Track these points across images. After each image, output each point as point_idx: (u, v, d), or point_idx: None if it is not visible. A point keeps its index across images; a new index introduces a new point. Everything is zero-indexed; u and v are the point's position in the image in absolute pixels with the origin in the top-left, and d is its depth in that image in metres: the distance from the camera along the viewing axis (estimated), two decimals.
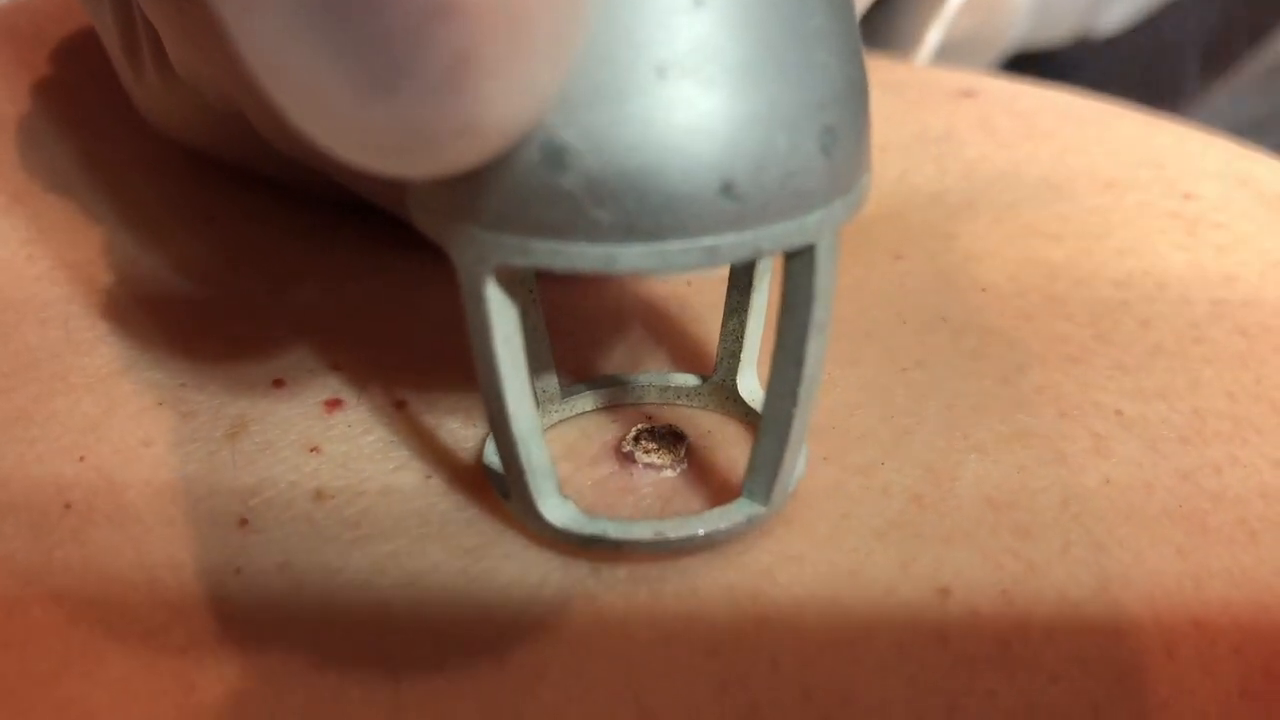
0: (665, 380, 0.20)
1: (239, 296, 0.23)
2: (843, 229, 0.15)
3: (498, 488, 0.18)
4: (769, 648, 0.16)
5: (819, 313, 0.15)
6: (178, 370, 0.20)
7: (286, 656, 0.16)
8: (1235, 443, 0.19)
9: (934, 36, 0.41)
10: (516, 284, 0.15)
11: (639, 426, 0.19)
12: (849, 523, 0.18)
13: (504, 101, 0.12)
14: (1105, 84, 0.33)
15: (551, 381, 0.20)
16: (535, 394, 0.19)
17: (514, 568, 0.17)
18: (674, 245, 0.13)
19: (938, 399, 0.20)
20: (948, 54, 0.43)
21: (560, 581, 0.17)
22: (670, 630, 0.16)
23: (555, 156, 0.13)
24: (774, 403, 0.16)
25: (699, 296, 0.23)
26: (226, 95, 0.20)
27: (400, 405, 0.20)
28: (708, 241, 0.13)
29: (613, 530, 0.17)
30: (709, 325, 0.22)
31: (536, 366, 0.19)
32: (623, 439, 0.19)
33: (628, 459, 0.19)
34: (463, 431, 0.19)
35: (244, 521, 0.18)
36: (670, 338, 0.22)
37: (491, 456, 0.18)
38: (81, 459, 0.19)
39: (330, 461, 0.19)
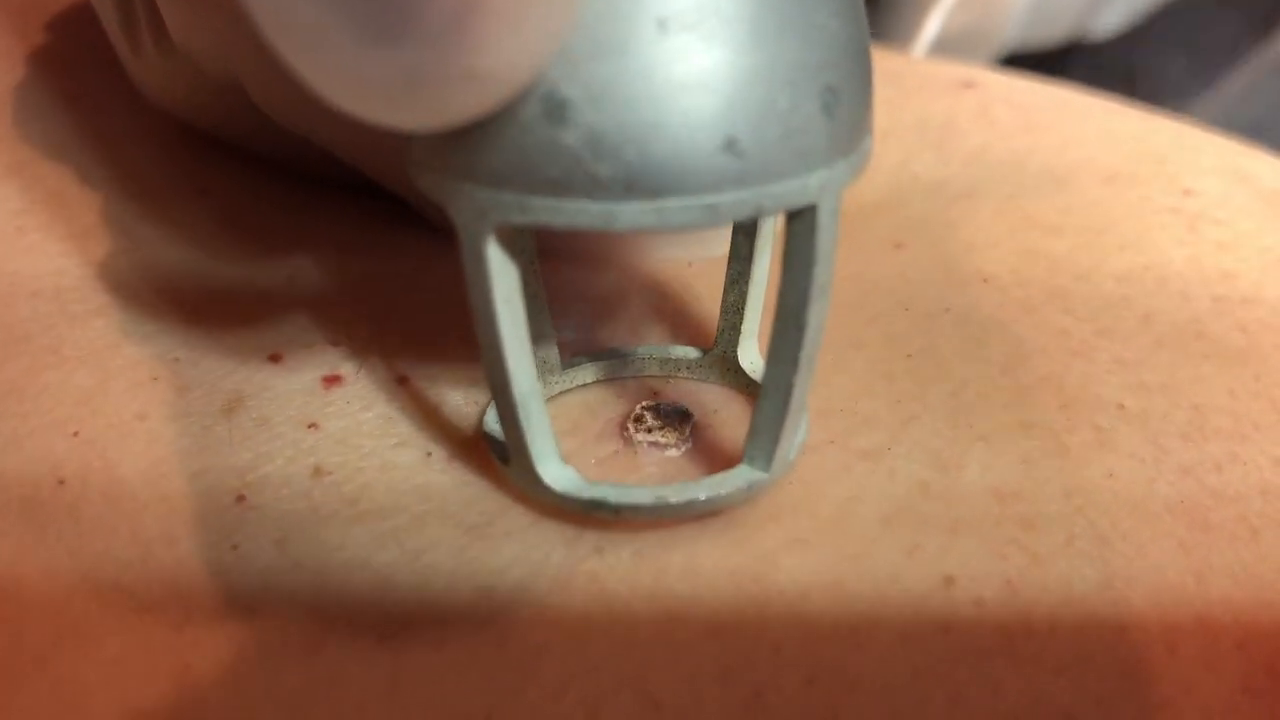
0: (666, 353, 0.20)
1: (235, 271, 0.23)
2: (843, 199, 0.15)
3: (497, 455, 0.18)
4: (772, 632, 0.16)
5: (820, 275, 0.15)
6: (173, 344, 0.20)
7: (284, 633, 0.16)
8: (1236, 440, 0.19)
9: (932, 26, 0.41)
10: (516, 251, 0.15)
11: (643, 404, 0.19)
12: (855, 507, 0.17)
13: (507, 49, 0.12)
14: (1099, 86, 0.33)
15: (552, 352, 0.20)
16: (535, 364, 0.19)
17: (515, 545, 0.17)
18: (674, 203, 0.13)
19: (942, 386, 0.20)
20: (943, 50, 0.43)
21: (562, 560, 0.17)
22: (673, 612, 0.16)
23: (556, 111, 0.13)
24: (775, 368, 0.16)
25: (699, 280, 0.23)
26: (224, 66, 0.20)
27: (401, 381, 0.20)
28: (708, 199, 0.13)
29: (613, 495, 0.16)
30: (709, 306, 0.22)
31: (536, 337, 0.19)
32: (627, 417, 0.19)
33: (632, 437, 0.19)
34: (464, 408, 0.19)
35: (241, 498, 0.17)
36: (671, 316, 0.22)
37: (492, 424, 0.18)
38: (75, 434, 0.18)
39: (328, 438, 0.18)
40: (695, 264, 0.24)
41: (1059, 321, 0.22)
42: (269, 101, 0.21)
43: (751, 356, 0.20)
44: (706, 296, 0.23)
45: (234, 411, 0.19)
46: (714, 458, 0.18)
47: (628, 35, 0.13)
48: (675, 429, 0.19)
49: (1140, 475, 0.18)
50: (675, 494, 0.17)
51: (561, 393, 0.20)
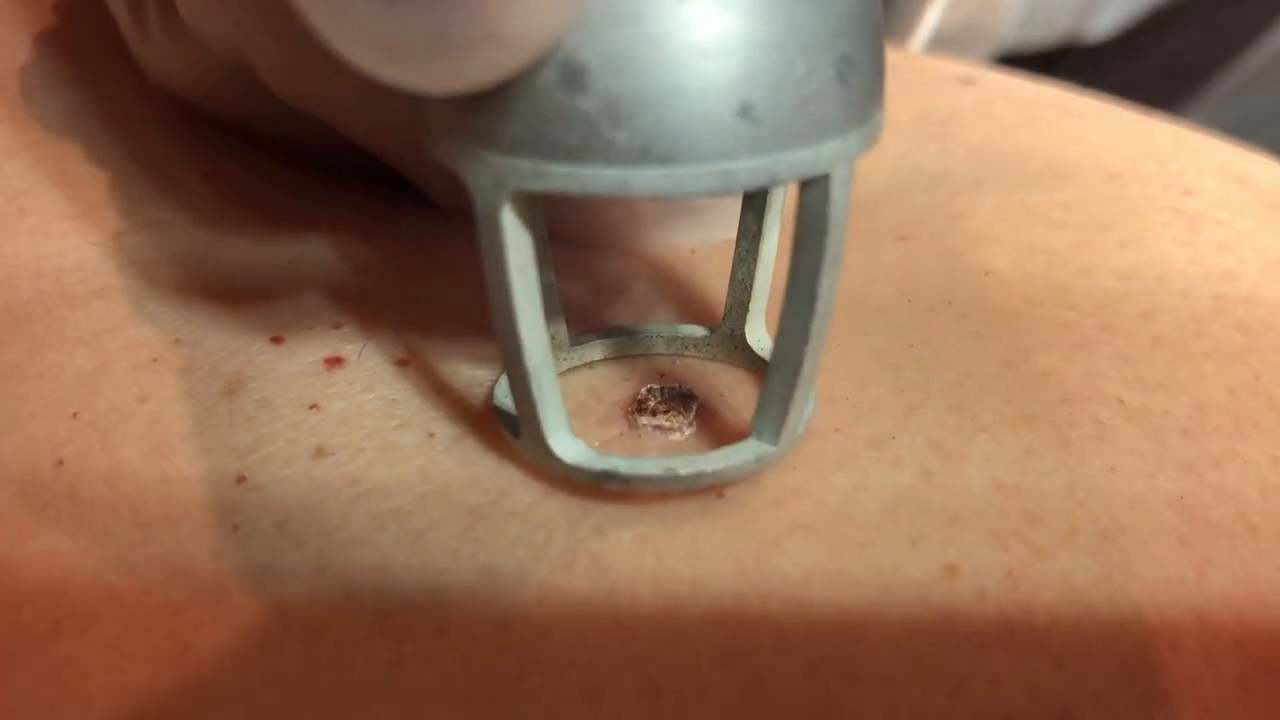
0: (674, 331, 0.20)
1: (237, 253, 0.23)
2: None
3: (507, 428, 0.18)
4: (774, 619, 0.16)
5: (832, 246, 0.15)
6: (174, 326, 0.20)
7: (284, 615, 0.16)
8: (1235, 438, 0.19)
9: (930, 20, 0.41)
10: (529, 224, 0.15)
11: (648, 386, 0.19)
12: (859, 495, 0.17)
13: (529, 10, 0.12)
14: (1093, 88, 0.33)
15: (561, 329, 0.20)
16: None
17: (517, 526, 0.17)
18: (689, 169, 0.13)
19: (945, 377, 0.20)
20: (940, 47, 0.43)
21: (564, 542, 0.17)
22: (675, 595, 0.16)
23: (573, 76, 0.13)
24: (785, 340, 0.16)
25: (706, 262, 0.23)
26: (233, 45, 0.20)
27: (403, 363, 0.20)
28: (723, 165, 0.13)
29: (623, 467, 0.16)
30: (716, 287, 0.23)
31: (546, 313, 0.19)
32: (632, 400, 0.19)
33: (637, 421, 0.19)
34: (466, 390, 0.19)
35: (242, 479, 0.17)
36: (678, 298, 0.22)
37: (503, 399, 0.18)
38: (75, 415, 0.18)
39: (330, 419, 0.18)
40: (699, 250, 0.24)
41: (1061, 316, 0.22)
42: (277, 80, 0.21)
43: (759, 334, 0.20)
44: (714, 277, 0.23)
45: (235, 393, 0.19)
46: (719, 441, 0.18)
47: (645, 1, 0.13)
48: (680, 413, 0.19)
49: (1141, 470, 0.18)
50: (684, 466, 0.17)
51: (569, 369, 0.20)
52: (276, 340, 0.20)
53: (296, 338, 0.20)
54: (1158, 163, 0.27)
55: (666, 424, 0.18)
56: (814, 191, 0.15)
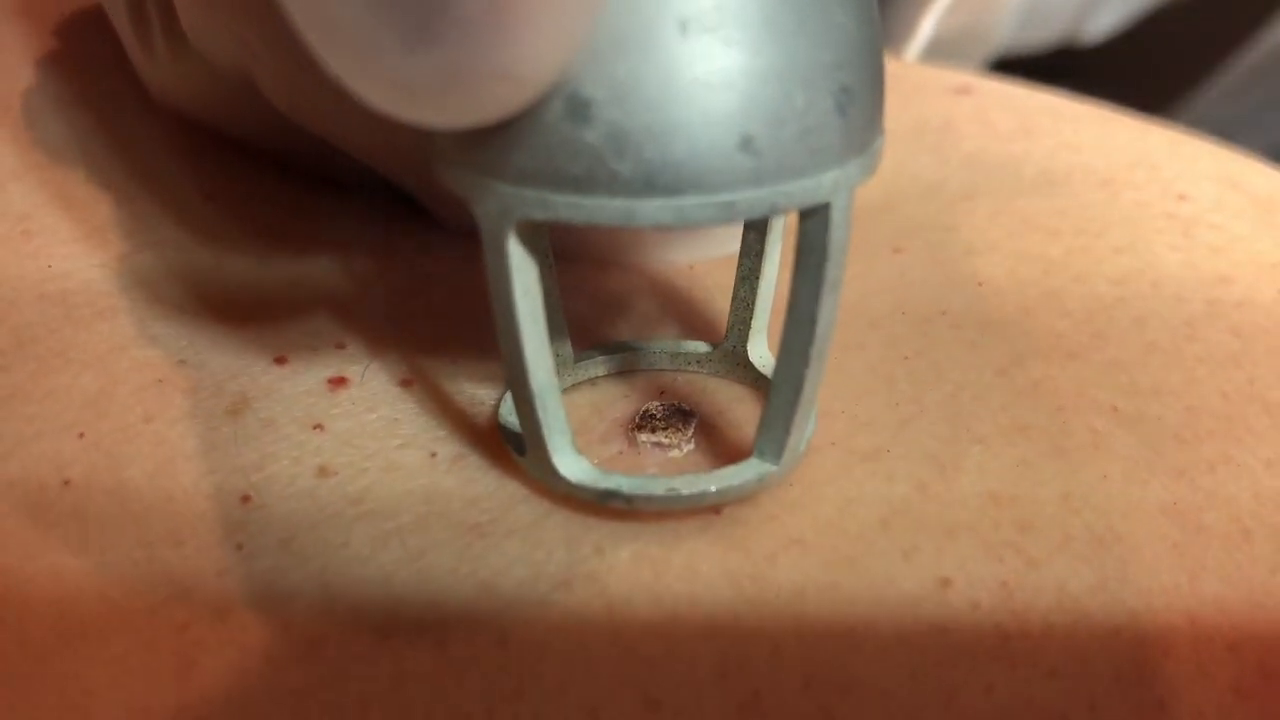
0: (676, 347, 0.21)
1: (242, 273, 0.23)
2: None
3: (512, 446, 0.18)
4: (770, 633, 0.16)
5: (832, 271, 0.15)
6: (179, 347, 0.20)
7: (287, 633, 0.16)
8: (1229, 442, 0.19)
9: (927, 28, 0.41)
10: (535, 247, 0.15)
11: (647, 405, 0.19)
12: (854, 509, 0.18)
13: (540, 48, 0.12)
14: (1091, 89, 0.33)
15: (565, 347, 0.20)
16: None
17: (517, 545, 0.17)
18: (692, 200, 0.14)
19: (939, 389, 0.20)
20: (937, 53, 0.43)
21: (563, 560, 0.17)
22: (672, 612, 0.16)
23: (579, 109, 0.13)
24: (786, 362, 0.16)
25: (707, 278, 0.24)
26: (238, 62, 0.20)
27: (406, 383, 0.20)
28: (725, 197, 0.14)
29: (626, 486, 0.17)
30: (717, 305, 0.23)
31: (551, 331, 0.19)
32: (632, 418, 0.19)
33: (636, 438, 0.19)
34: (468, 409, 0.19)
35: (246, 498, 0.17)
36: (680, 314, 0.22)
37: (507, 416, 0.18)
38: (81, 435, 0.19)
39: (334, 438, 0.19)
40: (696, 265, 0.24)
41: (1054, 324, 0.22)
42: (280, 95, 0.21)
43: (761, 351, 0.20)
44: (715, 291, 0.23)
45: (240, 413, 0.19)
46: (719, 458, 0.19)
47: (650, 36, 0.13)
48: (678, 430, 0.19)
49: (1134, 477, 0.19)
50: (687, 485, 0.17)
51: (572, 385, 0.20)
52: (280, 361, 0.20)
53: (300, 358, 0.20)
54: (1152, 168, 0.27)
55: (665, 441, 0.19)
56: (814, 220, 0.15)
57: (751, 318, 0.20)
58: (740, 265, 0.20)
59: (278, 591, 0.16)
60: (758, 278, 0.20)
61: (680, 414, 0.19)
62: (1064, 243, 0.24)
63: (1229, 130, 0.30)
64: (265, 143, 0.26)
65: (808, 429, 0.18)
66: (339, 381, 0.20)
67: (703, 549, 0.17)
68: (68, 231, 0.23)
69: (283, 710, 0.15)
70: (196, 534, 0.17)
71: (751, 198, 0.14)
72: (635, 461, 0.19)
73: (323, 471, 0.18)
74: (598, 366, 0.20)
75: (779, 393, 0.17)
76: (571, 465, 0.17)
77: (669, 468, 0.18)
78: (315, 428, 0.19)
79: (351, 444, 0.19)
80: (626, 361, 0.21)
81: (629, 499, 0.17)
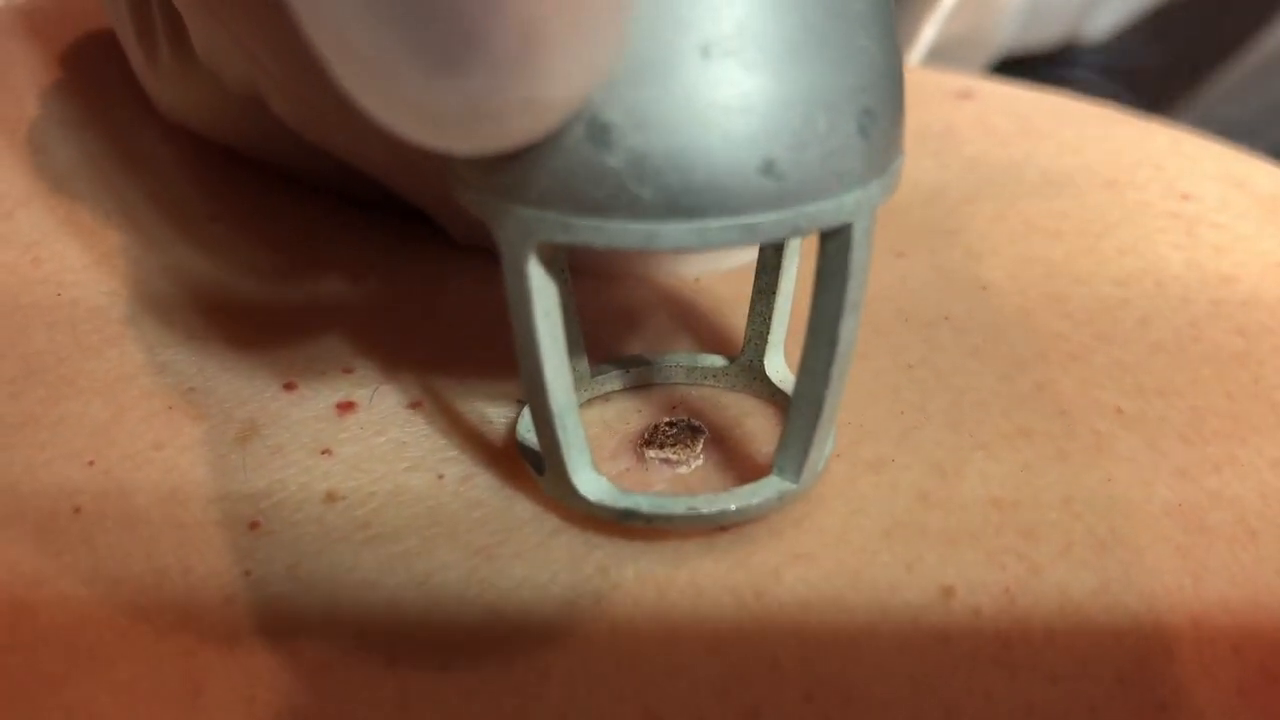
0: (693, 360, 0.21)
1: (250, 299, 0.23)
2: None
3: (531, 464, 0.18)
4: (771, 648, 0.16)
5: (853, 292, 0.15)
6: (187, 374, 0.21)
7: (295, 657, 0.16)
8: (1234, 442, 0.19)
9: (929, 33, 0.41)
10: (554, 268, 0.15)
11: (658, 422, 0.19)
12: (859, 521, 0.18)
13: (564, 76, 0.12)
14: (1092, 89, 0.33)
15: (582, 363, 0.20)
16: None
17: (523, 567, 0.17)
18: (714, 223, 0.14)
19: (942, 396, 0.20)
20: (940, 55, 0.43)
21: (568, 581, 0.17)
22: (675, 629, 0.16)
23: (600, 134, 0.13)
24: (806, 381, 0.16)
25: (722, 288, 0.24)
26: (247, 76, 0.21)
27: (414, 406, 0.20)
28: (747, 219, 0.14)
29: (645, 505, 0.17)
30: (728, 318, 0.23)
31: (568, 347, 0.19)
32: (643, 433, 0.19)
33: (644, 454, 0.19)
34: (476, 429, 0.20)
35: (255, 524, 0.18)
36: (692, 327, 0.22)
37: (525, 433, 0.18)
38: (91, 463, 0.19)
39: (342, 463, 0.19)
40: (703, 278, 0.24)
41: (1057, 326, 0.22)
42: (289, 111, 0.21)
43: (777, 366, 0.20)
44: (729, 303, 0.23)
45: (248, 439, 0.19)
46: (727, 473, 0.19)
47: (671, 61, 0.13)
48: (687, 445, 0.19)
49: (1138, 479, 0.19)
50: (707, 504, 0.17)
51: (589, 400, 0.20)
52: (289, 387, 0.20)
53: (309, 384, 0.20)
54: (1155, 168, 0.27)
55: (674, 456, 0.19)
56: (836, 240, 0.15)
57: (769, 332, 0.20)
58: (757, 280, 0.20)
59: (285, 617, 0.16)
60: (775, 292, 0.20)
61: (689, 430, 0.19)
62: (1067, 244, 0.24)
63: (1233, 133, 0.30)
64: (274, 158, 0.26)
65: (827, 447, 0.18)
66: (347, 406, 0.20)
67: (708, 567, 0.17)
68: (76, 258, 0.24)
69: None
70: (205, 560, 0.17)
71: (774, 220, 0.14)
72: (642, 477, 0.19)
73: (330, 497, 0.18)
74: (613, 381, 0.20)
75: (799, 411, 0.17)
76: (591, 484, 0.17)
77: (677, 484, 0.19)
78: (323, 453, 0.19)
79: (359, 468, 0.19)
80: (642, 376, 0.21)
81: (648, 518, 0.17)
